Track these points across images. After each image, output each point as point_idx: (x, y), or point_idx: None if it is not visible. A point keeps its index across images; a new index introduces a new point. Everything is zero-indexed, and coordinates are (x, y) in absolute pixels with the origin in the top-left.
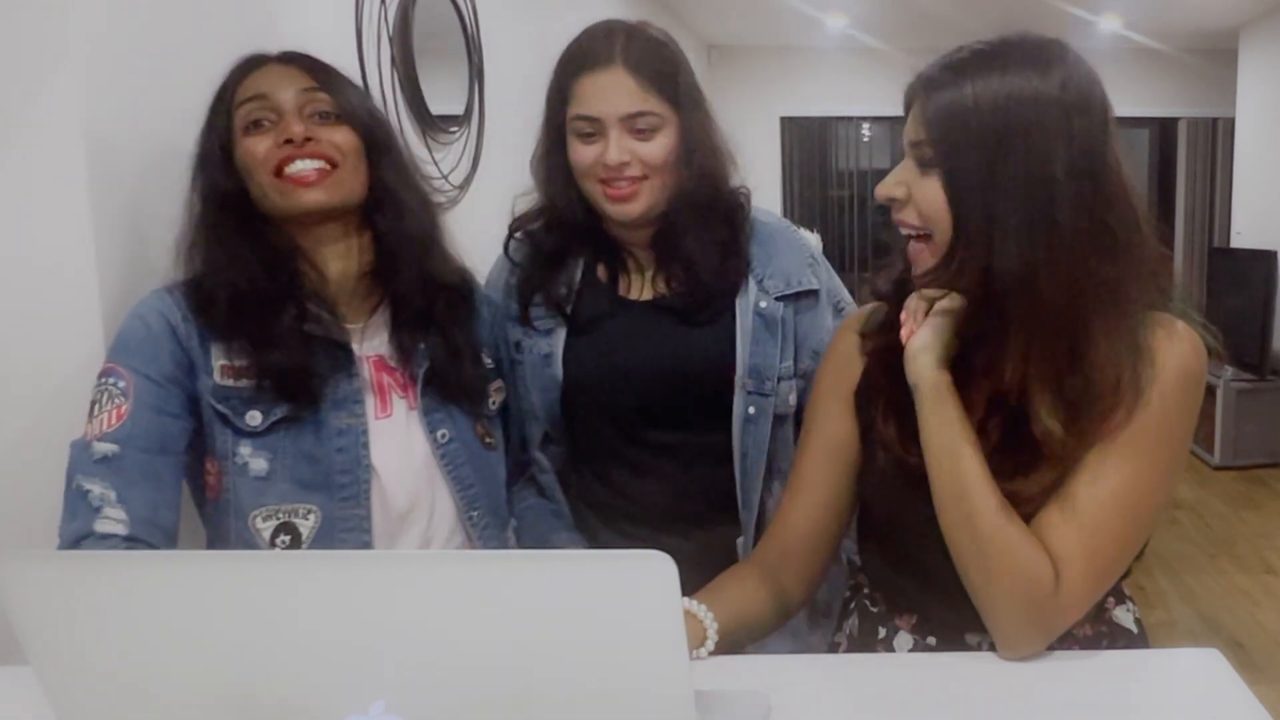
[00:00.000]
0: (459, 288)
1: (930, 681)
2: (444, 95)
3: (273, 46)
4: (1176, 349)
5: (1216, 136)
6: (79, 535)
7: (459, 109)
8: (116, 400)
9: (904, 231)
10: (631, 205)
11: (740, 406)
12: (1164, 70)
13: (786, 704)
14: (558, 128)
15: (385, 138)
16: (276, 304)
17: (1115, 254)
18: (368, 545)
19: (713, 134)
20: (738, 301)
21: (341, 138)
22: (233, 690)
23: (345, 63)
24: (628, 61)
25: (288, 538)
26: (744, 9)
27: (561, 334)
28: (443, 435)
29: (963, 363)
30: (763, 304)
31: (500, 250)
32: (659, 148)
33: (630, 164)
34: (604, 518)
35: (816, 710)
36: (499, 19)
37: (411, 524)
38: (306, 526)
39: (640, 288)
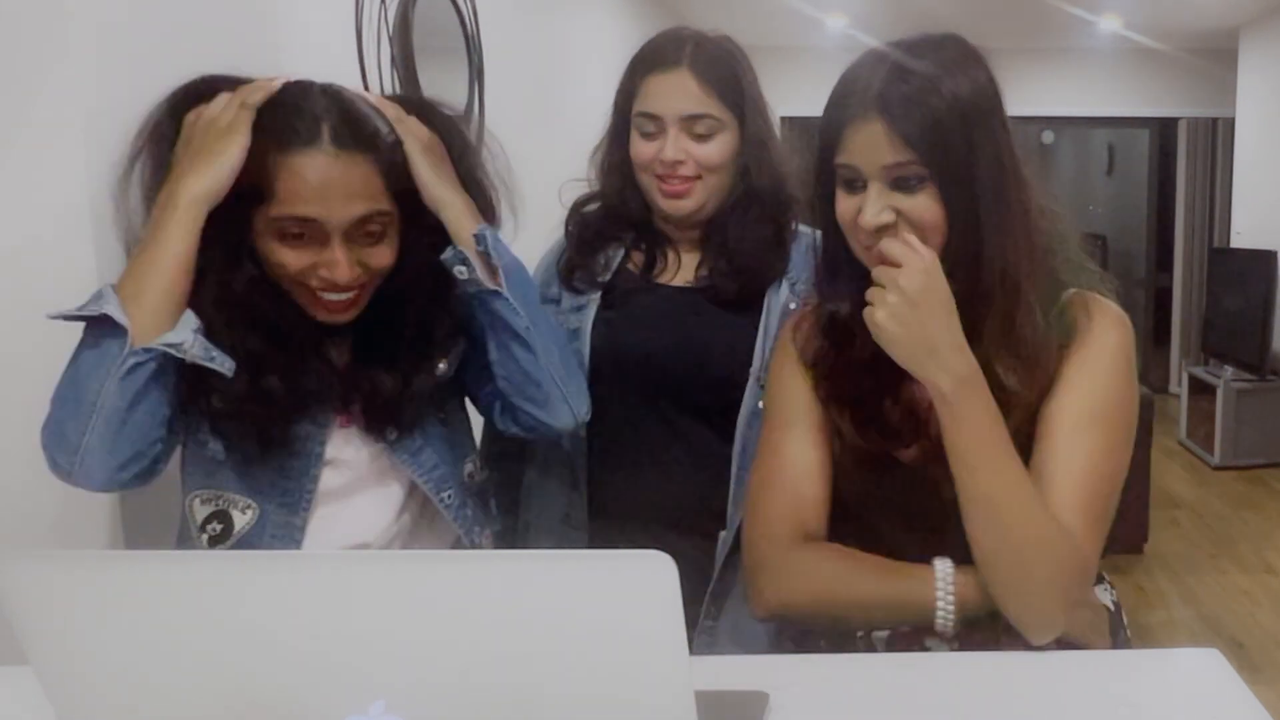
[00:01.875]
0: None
1: (930, 681)
2: (444, 95)
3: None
4: (1107, 323)
5: (1216, 136)
6: None
7: (459, 109)
8: None
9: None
10: (684, 202)
11: (750, 400)
12: (1164, 70)
13: (786, 704)
14: (623, 123)
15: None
16: (262, 304)
17: (1036, 228)
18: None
19: (770, 143)
20: (767, 298)
21: (380, 258)
22: (233, 690)
23: (345, 63)
24: (694, 65)
25: (219, 527)
26: (744, 9)
27: (592, 311)
28: (390, 432)
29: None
30: (791, 305)
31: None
32: (715, 150)
33: (686, 163)
34: (597, 493)
35: (816, 710)
36: (499, 19)
37: (356, 525)
38: (242, 521)
39: (674, 274)
